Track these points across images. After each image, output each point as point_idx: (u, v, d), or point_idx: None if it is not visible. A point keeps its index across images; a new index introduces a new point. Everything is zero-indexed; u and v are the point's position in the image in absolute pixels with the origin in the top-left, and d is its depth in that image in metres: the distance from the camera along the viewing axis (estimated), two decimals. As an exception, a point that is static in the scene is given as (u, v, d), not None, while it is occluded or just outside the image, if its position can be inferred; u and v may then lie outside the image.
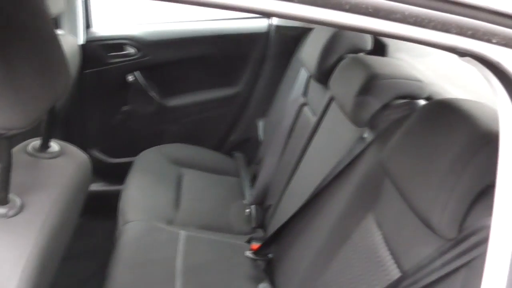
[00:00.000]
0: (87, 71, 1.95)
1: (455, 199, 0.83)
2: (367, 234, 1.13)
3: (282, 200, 1.63)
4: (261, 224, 1.71)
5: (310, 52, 1.68)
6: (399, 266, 1.00)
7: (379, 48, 1.70)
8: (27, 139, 0.96)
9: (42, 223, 0.79)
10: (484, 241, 0.80)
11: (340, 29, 1.60)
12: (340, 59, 1.55)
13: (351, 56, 1.44)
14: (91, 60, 1.94)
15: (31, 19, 0.76)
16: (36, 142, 0.94)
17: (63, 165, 0.92)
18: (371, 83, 1.23)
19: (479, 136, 0.84)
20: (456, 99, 0.97)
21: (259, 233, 1.67)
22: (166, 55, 2.03)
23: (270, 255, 1.54)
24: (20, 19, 0.73)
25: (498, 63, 0.49)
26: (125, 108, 2.06)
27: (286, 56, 2.08)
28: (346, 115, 1.30)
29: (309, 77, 1.77)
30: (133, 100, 2.04)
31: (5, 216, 0.76)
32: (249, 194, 1.84)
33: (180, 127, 2.16)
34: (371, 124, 1.22)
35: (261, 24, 2.11)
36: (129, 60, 1.98)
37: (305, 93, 1.79)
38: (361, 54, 1.52)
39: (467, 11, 0.46)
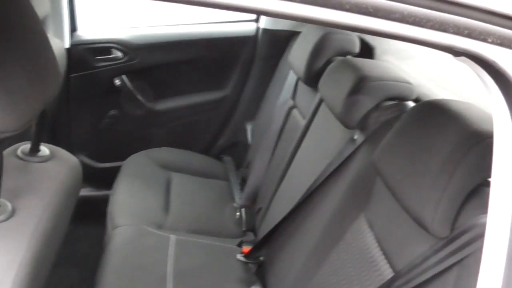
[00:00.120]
0: (73, 75, 1.93)
1: (447, 198, 0.84)
2: (359, 235, 1.14)
3: (273, 202, 1.63)
4: (252, 227, 1.71)
5: (298, 55, 1.69)
6: (392, 265, 1.01)
7: (367, 51, 1.72)
8: (13, 143, 0.94)
9: (34, 228, 0.77)
10: (476, 239, 0.82)
11: (341, 30, 1.62)
12: (328, 61, 1.57)
13: (340, 59, 1.45)
14: (77, 64, 1.92)
15: (20, 21, 0.75)
16: (25, 146, 0.92)
17: (54, 169, 0.91)
18: (360, 85, 1.24)
19: (469, 135, 0.86)
20: (446, 100, 0.98)
21: (250, 236, 1.66)
22: (154, 59, 2.02)
23: (261, 258, 1.54)
24: (9, 21, 0.72)
25: (494, 62, 0.50)
26: (112, 112, 2.04)
27: (274, 59, 2.09)
28: (336, 117, 1.31)
29: (298, 80, 1.78)
30: (121, 104, 2.02)
31: (-4, 220, 0.74)
32: (239, 198, 1.83)
33: (168, 131, 2.15)
34: (361, 125, 1.24)
35: (249, 27, 2.12)
36: (116, 63, 1.96)
37: (293, 96, 1.80)
38: (349, 57, 1.53)
39: (463, 11, 0.47)
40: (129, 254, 1.44)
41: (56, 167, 0.92)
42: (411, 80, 1.31)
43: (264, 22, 2.08)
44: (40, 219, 0.79)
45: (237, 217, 1.75)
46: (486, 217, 0.81)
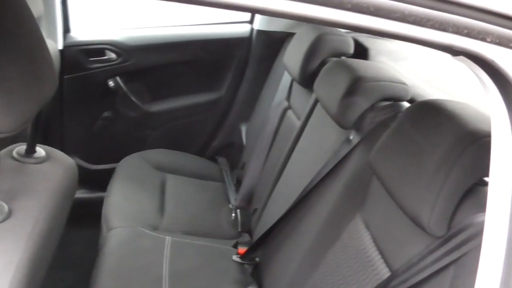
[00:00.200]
0: (67, 76, 1.92)
1: (443, 197, 0.85)
2: (356, 235, 1.14)
3: (268, 203, 1.63)
4: (247, 228, 1.71)
5: (293, 56, 1.69)
6: (389, 265, 1.01)
7: (361, 52, 1.73)
8: (7, 145, 0.94)
9: (31, 229, 0.77)
10: (473, 237, 0.83)
11: (336, 31, 1.63)
12: (323, 62, 1.57)
13: (335, 60, 1.46)
14: (70, 66, 1.91)
15: (16, 21, 0.75)
16: (21, 147, 0.92)
17: (50, 170, 0.90)
18: (356, 85, 1.25)
19: (465, 135, 0.86)
20: (441, 100, 0.99)
21: (245, 237, 1.66)
22: (148, 60, 2.02)
23: (257, 259, 1.54)
24: (5, 21, 0.71)
25: (493, 61, 0.51)
26: (106, 114, 2.03)
27: (268, 60, 2.09)
28: (332, 117, 1.32)
29: (292, 81, 1.79)
30: (115, 105, 2.01)
31: (-8, 222, 0.74)
32: (234, 199, 1.83)
33: (162, 132, 2.14)
34: (357, 126, 1.24)
35: (243, 29, 2.12)
36: (110, 65, 1.96)
37: (288, 97, 1.80)
38: (344, 58, 1.54)
39: (463, 10, 0.48)
40: (125, 256, 1.44)
41: (52, 168, 0.91)
42: (405, 80, 1.32)
43: (258, 24, 2.08)
44: (37, 221, 0.79)
45: (233, 218, 1.75)
46: (482, 215, 0.82)
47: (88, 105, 2.01)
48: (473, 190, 0.87)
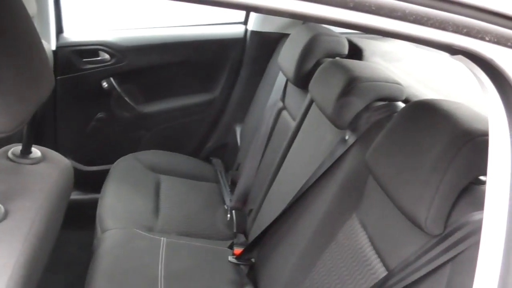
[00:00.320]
0: (60, 77, 1.91)
1: (440, 196, 0.86)
2: (352, 234, 1.15)
3: (264, 204, 1.63)
4: (243, 229, 1.71)
5: (287, 57, 1.70)
6: (385, 264, 1.02)
7: (355, 53, 1.73)
8: (2, 145, 0.93)
9: (28, 231, 0.76)
10: (469, 236, 0.83)
11: (330, 32, 1.63)
12: (317, 63, 1.58)
13: (330, 60, 1.46)
14: (64, 66, 1.90)
15: (13, 22, 0.74)
16: (16, 148, 0.91)
17: (46, 171, 0.90)
18: (351, 85, 1.25)
19: (461, 134, 0.87)
20: (436, 99, 1.00)
21: (241, 238, 1.66)
22: (142, 61, 2.01)
23: (253, 260, 1.54)
24: (2, 22, 0.71)
25: (491, 59, 0.51)
26: (100, 115, 2.02)
27: (263, 61, 2.09)
28: (327, 117, 1.32)
29: (287, 82, 1.79)
30: (109, 106, 2.00)
31: (-12, 224, 0.73)
32: (229, 200, 1.83)
33: (157, 133, 2.14)
34: (353, 126, 1.24)
35: (237, 29, 2.12)
36: (104, 66, 1.95)
37: (283, 97, 1.81)
38: (339, 58, 1.55)
39: (462, 10, 0.48)
40: (120, 257, 1.43)
41: (48, 169, 0.91)
42: (400, 81, 1.33)
43: (252, 24, 2.08)
44: (33, 222, 0.78)
45: (228, 219, 1.75)
46: (478, 214, 0.83)
47: (81, 106, 2.00)
48: (469, 188, 0.88)
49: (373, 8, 0.45)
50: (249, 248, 1.54)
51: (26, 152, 0.90)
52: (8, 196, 0.79)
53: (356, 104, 1.24)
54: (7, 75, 0.67)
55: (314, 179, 1.31)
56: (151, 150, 2.03)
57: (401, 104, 1.26)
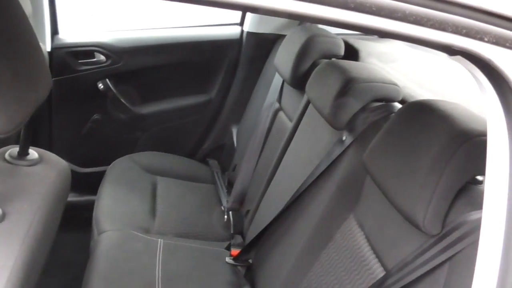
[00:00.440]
0: (55, 78, 1.90)
1: (438, 196, 0.86)
2: (350, 235, 1.15)
3: (261, 205, 1.63)
4: (240, 230, 1.71)
5: (284, 58, 1.70)
6: (383, 264, 1.02)
7: (351, 54, 1.74)
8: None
9: (25, 232, 0.76)
10: (466, 235, 0.84)
11: (326, 33, 1.64)
12: (314, 64, 1.58)
13: (327, 61, 1.47)
14: (59, 68, 1.89)
15: (10, 23, 0.74)
16: (13, 150, 0.91)
17: (43, 173, 0.89)
18: (348, 86, 1.26)
19: (458, 134, 0.87)
20: (433, 100, 1.00)
21: (238, 239, 1.66)
22: (138, 62, 2.01)
23: (250, 261, 1.54)
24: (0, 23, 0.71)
25: (490, 60, 0.52)
26: (96, 116, 2.01)
27: (259, 62, 2.10)
28: (324, 118, 1.32)
29: (283, 83, 1.79)
30: (104, 108, 2.00)
31: (-14, 226, 0.73)
32: (226, 201, 1.83)
33: (153, 134, 2.13)
34: (350, 126, 1.25)
35: (233, 31, 2.12)
36: (100, 67, 1.94)
37: (279, 98, 1.81)
38: (335, 59, 1.55)
39: (462, 10, 0.48)
40: (117, 259, 1.42)
41: (45, 171, 0.90)
42: (397, 82, 1.34)
43: (249, 26, 2.08)
44: (31, 224, 0.78)
45: (225, 220, 1.74)
46: (475, 213, 0.83)
47: (77, 107, 1.99)
48: (466, 188, 0.88)
49: (373, 9, 0.45)
50: (247, 249, 1.54)
51: (23, 153, 0.90)
52: (6, 198, 0.78)
53: (353, 105, 1.24)
54: (5, 76, 0.67)
55: (311, 180, 1.32)
56: (148, 152, 2.03)
57: (397, 105, 1.27)
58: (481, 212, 0.66)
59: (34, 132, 1.89)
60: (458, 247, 0.85)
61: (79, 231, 1.72)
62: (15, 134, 0.89)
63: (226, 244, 1.63)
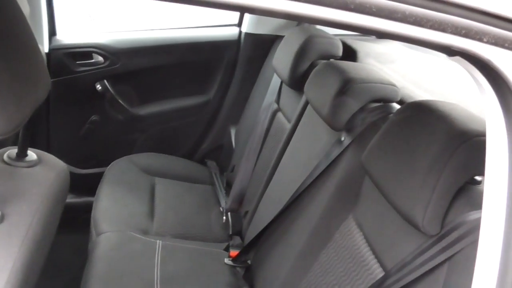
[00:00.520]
0: (53, 80, 1.89)
1: (437, 196, 0.86)
2: (349, 235, 1.15)
3: (259, 206, 1.63)
4: (238, 231, 1.71)
5: (282, 59, 1.70)
6: (382, 265, 1.02)
7: (349, 54, 1.74)
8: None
9: (24, 234, 0.76)
10: (465, 235, 0.84)
11: (324, 34, 1.64)
12: (312, 65, 1.59)
13: (325, 62, 1.47)
14: (57, 69, 1.89)
15: (9, 24, 0.74)
16: (12, 151, 0.90)
17: (42, 174, 0.89)
18: (346, 87, 1.26)
19: (457, 135, 0.88)
20: (432, 100, 1.00)
21: (237, 240, 1.66)
22: (136, 63, 2.00)
23: (249, 262, 1.54)
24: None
25: (489, 60, 0.52)
26: (94, 117, 2.01)
27: (257, 63, 2.10)
28: (323, 119, 1.33)
29: (281, 83, 1.79)
30: (103, 109, 1.99)
31: (-15, 227, 0.72)
32: (225, 202, 1.83)
33: (151, 135, 2.13)
34: (348, 127, 1.25)
35: (231, 32, 2.12)
36: (98, 68, 1.94)
37: (278, 99, 1.81)
38: (334, 60, 1.55)
39: (461, 11, 0.49)
40: (115, 261, 1.42)
41: (44, 172, 0.90)
42: (395, 82, 1.34)
43: (247, 26, 2.08)
44: (30, 225, 0.77)
45: (224, 221, 1.74)
46: (474, 213, 0.83)
47: (75, 108, 1.99)
48: (465, 188, 0.88)
49: (373, 9, 0.45)
50: (245, 250, 1.54)
51: (21, 155, 0.89)
52: (4, 200, 0.78)
53: (352, 105, 1.24)
54: (4, 78, 0.67)
55: (310, 181, 1.32)
56: (146, 153, 2.03)
57: (396, 105, 1.27)
58: (480, 212, 0.67)
59: (32, 134, 1.89)
60: (457, 247, 0.85)
61: (77, 233, 1.72)
62: (13, 135, 0.88)
63: (224, 245, 1.63)
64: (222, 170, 2.10)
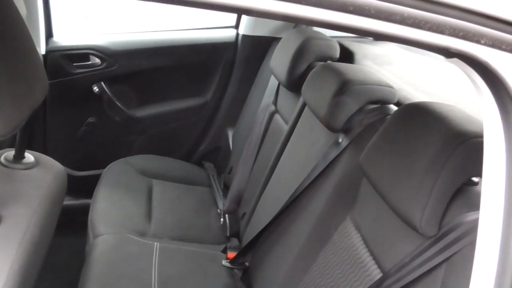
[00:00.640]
0: (50, 81, 1.88)
1: (434, 198, 0.87)
2: (346, 237, 1.15)
3: (257, 208, 1.63)
4: (236, 233, 1.70)
5: (279, 61, 1.70)
6: (380, 266, 1.02)
7: (346, 56, 1.75)
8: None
9: (22, 236, 0.76)
10: (463, 236, 0.84)
11: (321, 36, 1.65)
12: (309, 67, 1.59)
13: (323, 64, 1.47)
14: (54, 71, 1.88)
15: (6, 25, 0.74)
16: (9, 153, 0.90)
17: (40, 176, 0.89)
18: (344, 88, 1.26)
19: (454, 136, 0.88)
20: (429, 102, 1.01)
21: (234, 242, 1.65)
22: (133, 65, 2.00)
23: (246, 263, 1.54)
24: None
25: (487, 62, 0.52)
26: (91, 119, 2.00)
27: (254, 65, 2.10)
28: (320, 120, 1.33)
29: (279, 85, 1.80)
30: (100, 111, 1.99)
31: (-18, 230, 0.72)
32: (222, 203, 1.83)
33: (148, 137, 2.13)
34: (346, 128, 1.25)
35: (228, 33, 2.12)
36: (95, 70, 1.93)
37: (275, 101, 1.81)
38: (331, 62, 1.56)
39: (459, 13, 0.49)
40: (113, 263, 1.42)
41: (42, 174, 0.90)
42: (392, 84, 1.34)
43: (244, 28, 2.09)
44: (27, 228, 0.77)
45: (221, 223, 1.74)
46: (472, 214, 0.84)
47: (72, 110, 1.98)
48: (463, 189, 0.89)
49: (372, 12, 0.46)
50: (243, 252, 1.54)
51: (19, 157, 0.89)
52: (2, 202, 0.78)
53: (349, 107, 1.25)
54: (1, 79, 0.67)
55: (307, 182, 1.32)
56: (143, 155, 2.03)
57: (393, 107, 1.27)
58: (478, 213, 0.67)
59: (29, 136, 1.89)
60: (455, 248, 0.85)
61: (74, 235, 1.71)
62: (10, 137, 0.88)
63: (222, 247, 1.63)
64: (220, 172, 2.10)
